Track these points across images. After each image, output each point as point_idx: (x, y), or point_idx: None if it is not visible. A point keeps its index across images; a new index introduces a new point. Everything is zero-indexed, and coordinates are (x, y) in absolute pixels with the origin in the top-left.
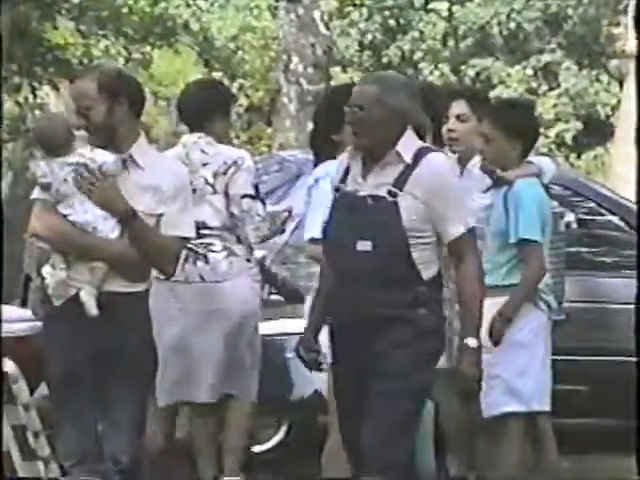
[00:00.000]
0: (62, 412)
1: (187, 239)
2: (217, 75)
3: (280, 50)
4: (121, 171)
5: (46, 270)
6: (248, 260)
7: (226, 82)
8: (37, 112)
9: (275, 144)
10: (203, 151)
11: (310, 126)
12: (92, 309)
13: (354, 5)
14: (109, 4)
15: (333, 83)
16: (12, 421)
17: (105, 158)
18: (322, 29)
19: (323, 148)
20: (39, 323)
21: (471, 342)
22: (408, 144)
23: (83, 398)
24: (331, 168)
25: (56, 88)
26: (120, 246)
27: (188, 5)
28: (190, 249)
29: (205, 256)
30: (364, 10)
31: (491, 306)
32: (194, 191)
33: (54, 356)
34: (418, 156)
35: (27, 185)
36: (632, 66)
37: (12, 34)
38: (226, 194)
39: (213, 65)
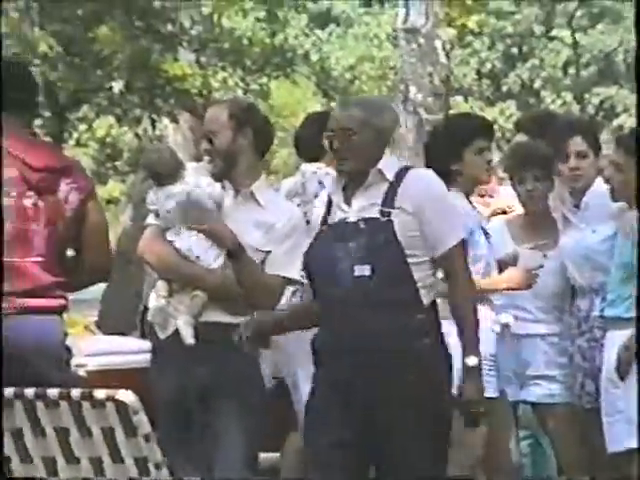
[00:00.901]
0: (172, 447)
1: (291, 280)
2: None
3: (397, 79)
4: (224, 200)
5: (150, 297)
6: None
7: None
8: (155, 143)
9: None
10: (320, 182)
11: None
12: (188, 338)
13: (473, 33)
14: (229, 36)
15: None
16: (134, 453)
17: (211, 186)
18: (442, 58)
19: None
20: None
21: (471, 361)
22: (389, 163)
23: (191, 431)
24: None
25: (175, 120)
26: (221, 277)
27: (307, 35)
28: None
29: None
30: (485, 39)
31: (616, 338)
32: (307, 222)
33: (160, 390)
34: (401, 173)
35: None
36: None
37: (133, 67)
38: None
39: (332, 95)
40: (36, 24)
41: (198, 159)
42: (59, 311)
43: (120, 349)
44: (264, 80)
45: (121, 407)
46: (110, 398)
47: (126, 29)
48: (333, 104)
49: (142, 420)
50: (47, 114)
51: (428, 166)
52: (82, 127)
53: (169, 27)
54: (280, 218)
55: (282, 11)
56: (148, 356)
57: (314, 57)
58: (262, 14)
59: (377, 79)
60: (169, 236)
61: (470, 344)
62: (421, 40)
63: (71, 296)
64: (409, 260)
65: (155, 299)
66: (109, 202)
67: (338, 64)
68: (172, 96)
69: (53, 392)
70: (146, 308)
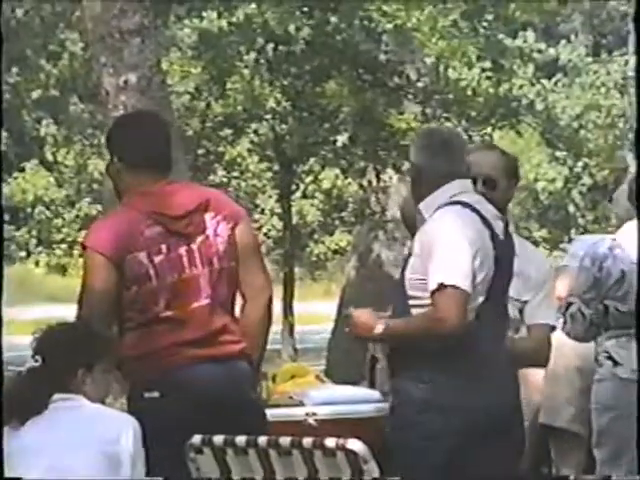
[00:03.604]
0: None
1: (553, 327)
2: (560, 155)
3: (627, 128)
4: None
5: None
6: None
7: (569, 161)
8: (380, 195)
9: None
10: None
11: None
12: None
13: None
14: (454, 87)
15: None
16: None
17: None
18: None
19: None
20: (385, 405)
21: (377, 330)
22: (435, 201)
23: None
24: None
25: (399, 172)
26: None
27: (532, 85)
28: None
29: None
30: None
31: None
32: None
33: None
34: (434, 214)
35: (373, 267)
36: None
37: (358, 120)
38: None
39: (555, 144)
40: (265, 80)
41: None
42: (240, 357)
43: (350, 398)
44: (488, 130)
45: (351, 456)
46: (340, 447)
47: (352, 83)
48: (558, 153)
49: (372, 468)
50: (276, 167)
51: None
52: (308, 179)
53: (395, 79)
54: (533, 268)
55: (508, 61)
56: (377, 406)
57: (539, 106)
58: (487, 64)
59: (604, 128)
60: None
61: (392, 329)
62: None
63: (298, 345)
64: (411, 302)
65: None
66: (335, 252)
67: (564, 113)
68: (396, 148)
69: (285, 440)
70: (373, 357)
